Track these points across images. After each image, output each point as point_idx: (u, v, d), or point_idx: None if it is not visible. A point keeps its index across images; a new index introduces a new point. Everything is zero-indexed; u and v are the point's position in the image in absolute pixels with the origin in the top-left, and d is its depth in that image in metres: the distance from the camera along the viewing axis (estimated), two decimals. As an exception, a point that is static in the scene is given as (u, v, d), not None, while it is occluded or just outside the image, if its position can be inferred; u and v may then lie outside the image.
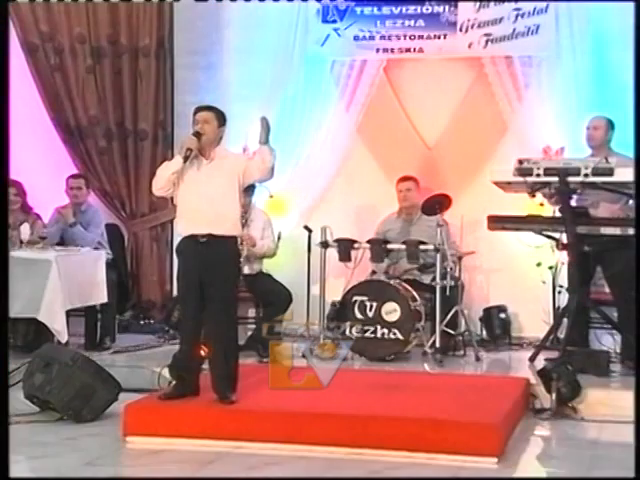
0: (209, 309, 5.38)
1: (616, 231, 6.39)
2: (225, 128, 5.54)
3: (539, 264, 7.66)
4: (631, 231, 6.18)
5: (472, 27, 7.87)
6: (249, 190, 7.44)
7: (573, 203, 6.64)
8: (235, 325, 5.53)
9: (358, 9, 8.10)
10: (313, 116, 8.16)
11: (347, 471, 4.65)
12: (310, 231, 7.67)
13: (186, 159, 5.33)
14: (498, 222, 6.78)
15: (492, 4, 7.85)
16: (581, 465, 4.78)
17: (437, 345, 6.83)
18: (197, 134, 5.39)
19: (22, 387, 5.71)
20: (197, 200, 5.35)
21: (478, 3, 7.87)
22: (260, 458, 4.79)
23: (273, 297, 7.24)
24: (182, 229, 5.49)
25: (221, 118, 5.51)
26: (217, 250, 5.34)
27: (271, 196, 8.07)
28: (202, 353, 6.25)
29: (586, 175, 6.28)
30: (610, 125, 6.83)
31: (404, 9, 8.01)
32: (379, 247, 7.21)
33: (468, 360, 7.03)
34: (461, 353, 7.12)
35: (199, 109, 5.53)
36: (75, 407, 5.50)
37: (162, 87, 8.42)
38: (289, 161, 8.16)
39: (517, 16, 7.80)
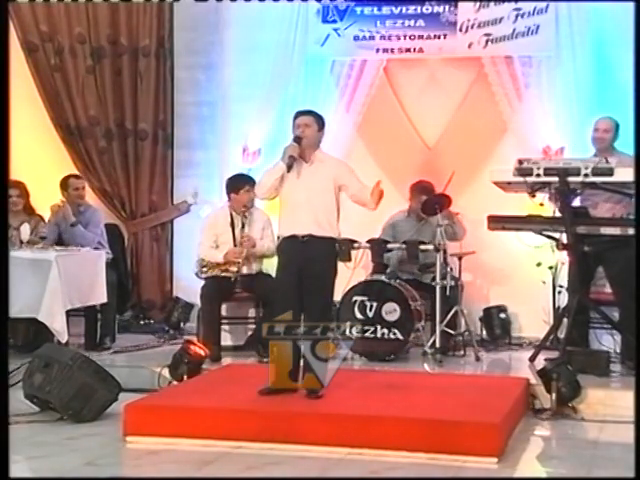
0: (306, 303, 5.50)
1: (616, 231, 6.39)
2: (324, 132, 5.65)
3: (539, 264, 7.65)
4: (631, 231, 6.18)
5: (472, 27, 7.87)
6: (252, 186, 7.38)
7: (577, 203, 6.65)
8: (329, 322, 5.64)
9: (358, 9, 8.10)
10: (313, 116, 8.15)
11: (347, 471, 4.65)
12: (310, 231, 7.63)
13: (289, 168, 5.47)
14: (498, 222, 6.77)
15: (492, 4, 7.86)
16: (581, 465, 4.77)
17: (437, 345, 6.83)
18: (298, 139, 5.53)
19: (22, 387, 5.71)
20: (297, 202, 5.51)
21: (478, 3, 7.87)
22: (259, 458, 4.79)
23: (273, 297, 7.20)
24: (284, 230, 5.61)
25: (320, 122, 5.63)
26: (316, 247, 5.50)
27: (271, 196, 8.03)
28: (202, 353, 6.28)
29: (586, 175, 6.29)
30: (617, 127, 6.82)
31: (404, 9, 8.01)
32: (379, 247, 7.21)
33: (468, 360, 7.02)
34: (461, 353, 7.11)
35: (300, 113, 5.66)
36: (75, 407, 5.49)
37: (162, 87, 8.43)
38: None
39: (517, 16, 7.81)
